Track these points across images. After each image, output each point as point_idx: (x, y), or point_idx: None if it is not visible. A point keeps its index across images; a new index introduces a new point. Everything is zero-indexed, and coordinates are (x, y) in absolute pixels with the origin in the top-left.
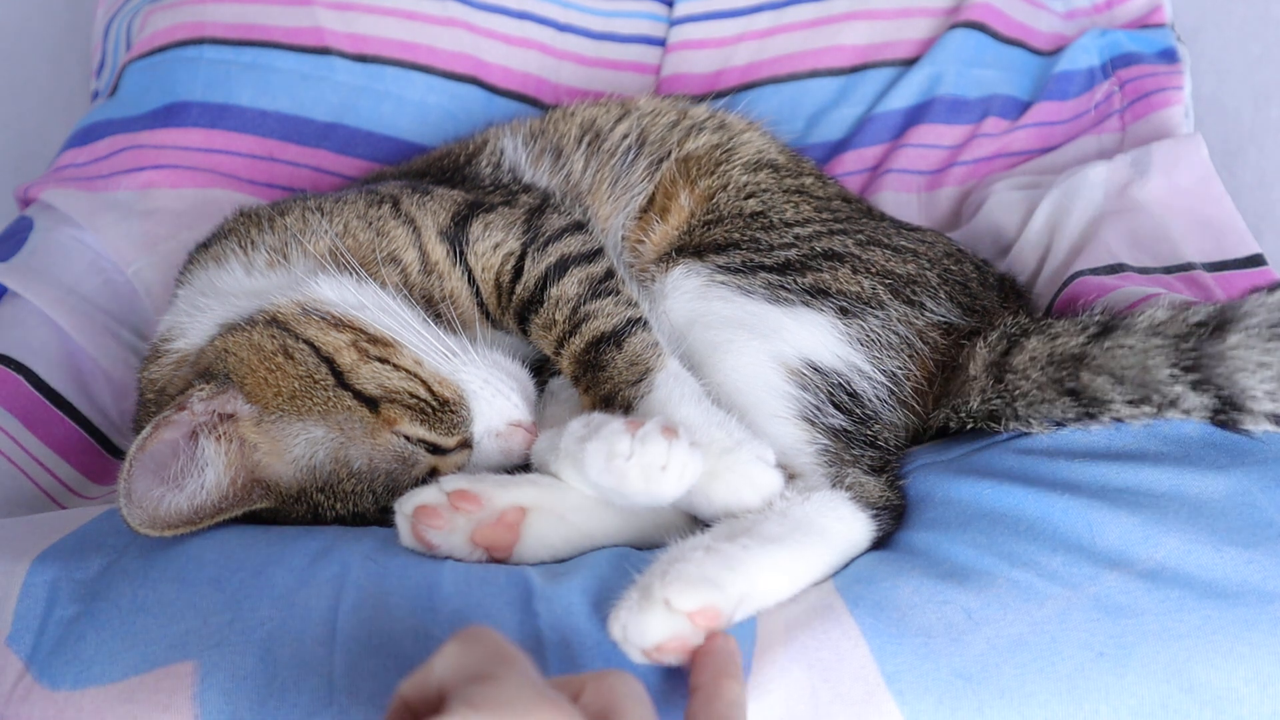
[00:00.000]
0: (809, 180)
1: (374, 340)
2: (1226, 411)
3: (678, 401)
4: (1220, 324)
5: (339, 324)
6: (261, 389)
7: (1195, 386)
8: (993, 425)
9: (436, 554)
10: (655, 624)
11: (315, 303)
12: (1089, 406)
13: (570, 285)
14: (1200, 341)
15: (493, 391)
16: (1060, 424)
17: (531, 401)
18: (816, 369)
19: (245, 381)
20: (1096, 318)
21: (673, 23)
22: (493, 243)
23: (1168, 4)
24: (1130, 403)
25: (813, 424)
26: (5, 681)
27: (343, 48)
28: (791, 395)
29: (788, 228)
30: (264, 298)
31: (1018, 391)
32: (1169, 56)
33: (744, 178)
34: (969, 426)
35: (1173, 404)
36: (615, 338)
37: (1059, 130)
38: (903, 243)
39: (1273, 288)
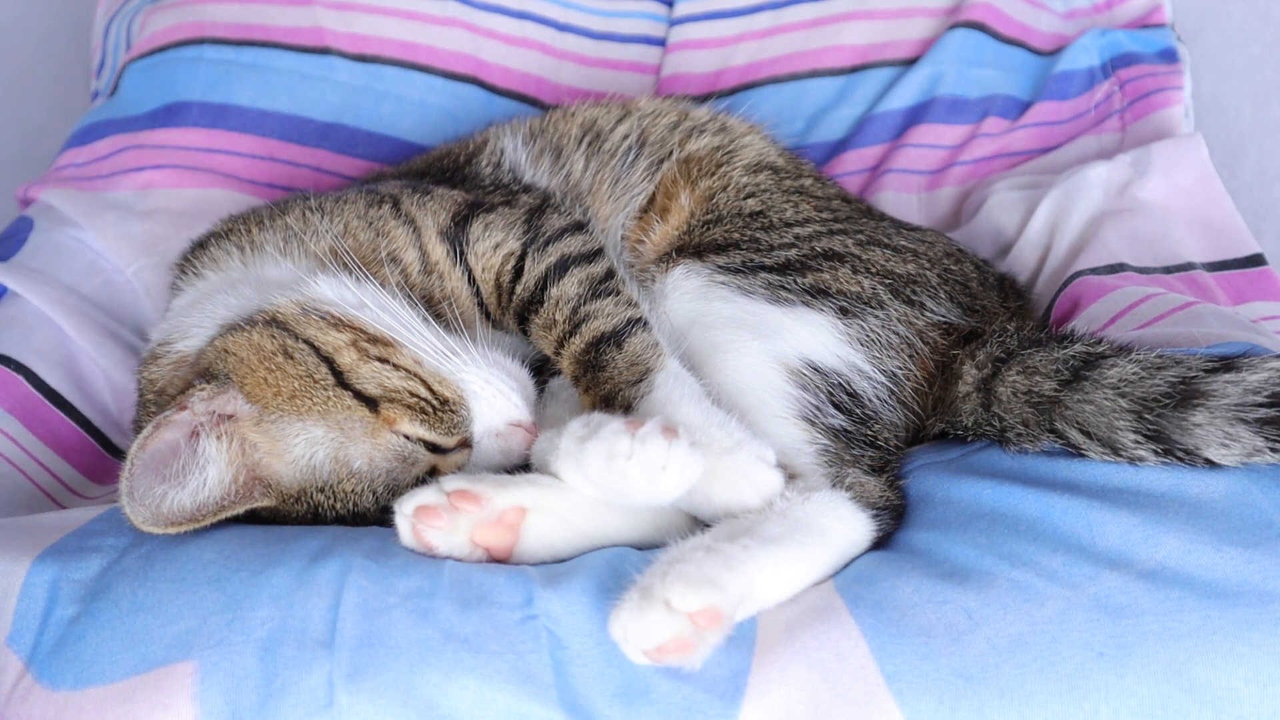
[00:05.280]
0: (808, 182)
1: (374, 340)
2: (1194, 458)
3: (678, 401)
4: (1186, 397)
5: (339, 324)
6: (261, 389)
7: (1158, 451)
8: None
9: (436, 554)
10: (656, 624)
11: (315, 302)
12: (1070, 447)
13: (570, 285)
14: (1164, 411)
15: (493, 391)
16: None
17: (531, 401)
18: (816, 369)
19: (245, 382)
20: (1073, 355)
21: (673, 23)
22: (493, 243)
23: (1168, 4)
24: (1102, 453)
25: (813, 424)
26: (5, 681)
27: (343, 48)
28: (791, 395)
29: (788, 228)
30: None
31: (1005, 424)
32: (1169, 56)
33: (744, 179)
34: (967, 439)
35: (1140, 459)
36: (615, 338)
37: (1059, 130)
38: (903, 242)
39: (1239, 367)
